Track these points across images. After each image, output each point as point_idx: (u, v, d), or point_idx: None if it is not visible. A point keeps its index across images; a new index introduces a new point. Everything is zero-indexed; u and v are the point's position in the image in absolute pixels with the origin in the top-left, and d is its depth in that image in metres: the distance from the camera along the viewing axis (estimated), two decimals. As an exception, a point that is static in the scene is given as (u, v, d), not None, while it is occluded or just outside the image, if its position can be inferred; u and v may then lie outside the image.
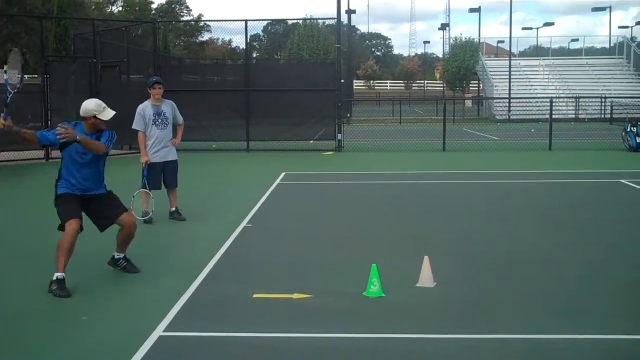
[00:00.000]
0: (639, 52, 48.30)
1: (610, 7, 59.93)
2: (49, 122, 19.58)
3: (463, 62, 53.66)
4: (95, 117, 6.74)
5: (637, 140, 20.83)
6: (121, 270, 7.21)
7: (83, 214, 6.91)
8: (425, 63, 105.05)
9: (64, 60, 22.55)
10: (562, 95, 43.02)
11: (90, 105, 6.78)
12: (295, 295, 6.26)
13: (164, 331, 5.40)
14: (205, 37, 76.68)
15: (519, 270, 7.25)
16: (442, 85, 73.20)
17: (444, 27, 79.51)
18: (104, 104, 6.85)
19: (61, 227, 6.74)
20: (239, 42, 63.56)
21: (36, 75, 43.86)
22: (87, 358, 4.96)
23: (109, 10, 65.12)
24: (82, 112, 6.80)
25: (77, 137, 6.59)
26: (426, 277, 6.59)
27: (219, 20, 27.00)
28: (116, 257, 7.25)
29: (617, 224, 9.79)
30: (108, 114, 6.79)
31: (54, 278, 6.49)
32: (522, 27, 66.37)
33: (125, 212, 7.11)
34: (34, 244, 8.84)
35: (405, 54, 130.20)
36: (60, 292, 6.41)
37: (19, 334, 5.47)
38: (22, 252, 8.38)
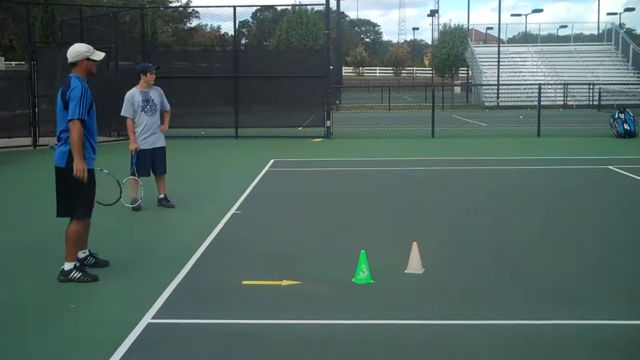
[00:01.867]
0: (628, 38, 48.43)
1: (599, -6, 60.12)
2: (36, 108, 19.47)
3: (452, 49, 53.60)
4: (88, 58, 6.50)
5: (625, 127, 20.94)
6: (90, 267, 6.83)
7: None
8: (414, 50, 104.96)
9: (51, 47, 22.38)
10: (550, 82, 43.16)
11: (82, 49, 6.52)
12: (284, 282, 6.27)
13: (152, 318, 5.40)
14: (194, 23, 76.34)
15: (506, 257, 7.29)
16: (431, 72, 73.11)
17: (433, 13, 79.38)
18: (90, 46, 6.62)
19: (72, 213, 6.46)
20: (228, 28, 63.47)
21: (23, 62, 43.59)
22: (76, 346, 4.95)
23: (97, -4, 64.66)
24: (73, 57, 6.50)
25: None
26: (415, 264, 6.62)
27: (208, 7, 26.93)
28: (81, 256, 6.77)
29: (605, 210, 9.84)
30: (99, 54, 6.59)
31: (72, 267, 6.40)
32: (511, 13, 66.32)
33: None
34: (22, 233, 8.81)
35: (395, 41, 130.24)
36: (87, 276, 6.39)
37: (5, 323, 5.46)
38: (11, 240, 8.34)
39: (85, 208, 6.50)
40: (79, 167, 6.21)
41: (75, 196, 6.38)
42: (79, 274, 6.40)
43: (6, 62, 43.42)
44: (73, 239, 6.44)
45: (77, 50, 6.52)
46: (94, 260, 6.89)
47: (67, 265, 6.43)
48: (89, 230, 6.71)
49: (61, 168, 6.36)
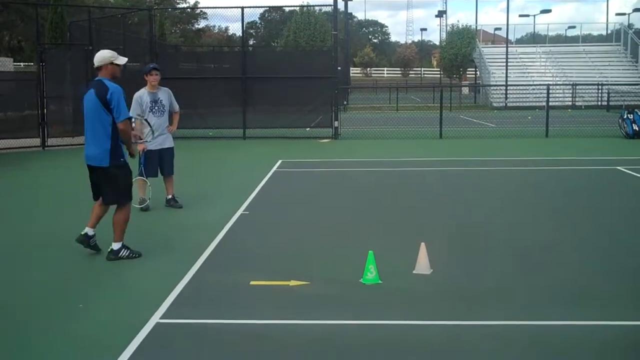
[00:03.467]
0: (636, 39, 48.19)
1: (608, -6, 59.85)
2: (45, 109, 19.53)
3: (460, 50, 53.48)
4: (112, 62, 7.13)
5: (634, 127, 20.84)
6: (90, 249, 7.40)
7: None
8: (422, 50, 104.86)
9: (60, 48, 22.45)
10: (559, 83, 42.99)
11: (106, 54, 7.17)
12: (293, 283, 6.27)
13: (160, 318, 5.41)
14: (202, 24, 76.38)
15: (515, 257, 7.27)
16: (439, 72, 73.00)
17: (441, 14, 79.23)
18: (115, 52, 7.27)
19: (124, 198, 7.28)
20: (236, 29, 63.40)
21: (32, 63, 43.76)
22: (84, 346, 4.96)
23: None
24: (98, 62, 7.12)
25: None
26: (423, 264, 6.61)
27: (216, 7, 26.97)
28: (91, 233, 7.40)
29: (614, 211, 9.81)
30: (122, 59, 7.27)
31: (120, 246, 7.15)
32: (519, 14, 66.19)
33: None
34: (31, 233, 8.84)
35: (403, 42, 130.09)
36: (134, 253, 7.22)
37: (14, 323, 5.48)
38: (20, 241, 8.36)
39: (128, 195, 7.33)
40: (136, 151, 7.62)
41: (119, 188, 7.18)
42: (127, 252, 7.18)
43: (15, 64, 43.60)
44: (123, 222, 7.20)
45: (102, 55, 7.17)
46: (94, 243, 7.43)
47: (116, 245, 7.15)
48: (107, 212, 7.40)
49: (105, 168, 7.09)
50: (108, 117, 6.96)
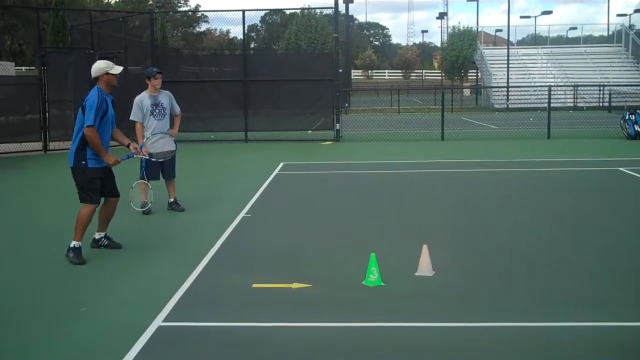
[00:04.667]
0: (638, 40, 48.18)
1: (609, -5, 59.80)
2: (47, 113, 19.55)
3: (461, 51, 53.51)
4: (107, 72, 7.33)
5: (636, 129, 20.82)
6: (104, 248, 7.65)
7: None
8: (423, 52, 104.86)
9: (62, 52, 22.47)
10: (560, 84, 42.98)
11: (101, 65, 7.40)
12: (295, 285, 6.26)
13: (163, 321, 5.41)
14: (203, 27, 76.54)
15: (517, 259, 7.26)
16: (440, 74, 73.02)
17: (442, 16, 79.30)
18: (110, 62, 7.49)
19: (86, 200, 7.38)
20: (237, 32, 63.56)
21: (33, 67, 43.78)
22: (87, 349, 4.96)
23: (106, 1, 64.89)
24: (94, 73, 7.36)
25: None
26: (425, 266, 6.60)
27: (217, 11, 27.00)
28: (97, 237, 7.70)
29: (617, 212, 9.80)
30: (117, 68, 7.46)
31: (72, 246, 7.21)
32: (520, 15, 66.12)
33: (119, 194, 7.79)
34: (34, 235, 8.84)
35: (404, 44, 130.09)
36: (76, 259, 7.14)
37: (17, 325, 5.48)
38: (23, 244, 8.37)
39: (89, 198, 7.35)
40: (109, 162, 7.34)
41: (80, 190, 7.38)
42: (73, 256, 7.18)
43: (16, 68, 43.62)
44: (79, 220, 7.27)
45: (97, 67, 7.41)
46: (107, 242, 7.70)
47: (72, 243, 7.26)
48: (91, 219, 7.40)
49: (70, 167, 7.40)
50: (81, 121, 7.27)
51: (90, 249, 7.60)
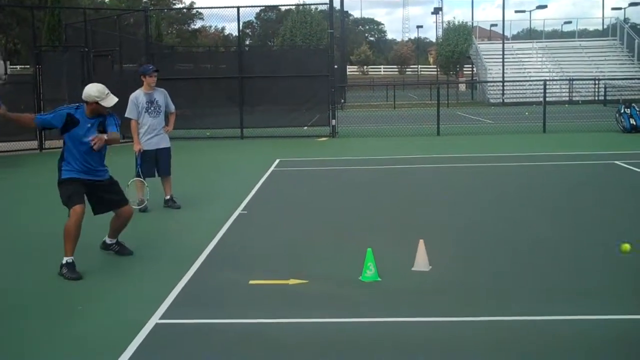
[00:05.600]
0: (632, 33, 48.20)
1: (603, -11, 59.85)
2: (42, 112, 19.50)
3: (456, 46, 53.55)
4: (97, 103, 6.67)
5: (631, 122, 20.84)
6: (115, 254, 7.35)
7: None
8: (418, 48, 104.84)
9: (56, 50, 22.43)
10: (555, 78, 43.00)
11: (92, 92, 6.68)
12: (292, 281, 6.27)
13: (160, 319, 5.41)
14: (198, 25, 76.38)
15: (514, 253, 7.27)
16: (435, 69, 73.04)
17: (437, 11, 79.17)
18: (107, 90, 6.75)
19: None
20: (232, 29, 63.42)
21: (28, 66, 43.64)
22: (83, 347, 4.96)
23: (100, -1, 64.72)
24: (84, 97, 6.72)
25: (105, 137, 6.71)
26: (421, 261, 6.61)
27: (212, 8, 26.99)
28: (108, 242, 7.41)
29: (613, 205, 9.81)
30: (110, 100, 6.72)
31: (64, 262, 6.63)
32: (515, 10, 66.22)
33: (126, 204, 7.28)
34: (31, 234, 8.83)
35: (399, 39, 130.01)
36: (71, 274, 6.57)
37: (13, 324, 5.47)
38: (19, 243, 8.36)
39: (68, 210, 6.75)
40: (102, 140, 6.67)
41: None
42: (66, 271, 6.61)
43: (11, 66, 43.53)
44: (65, 232, 6.66)
45: (88, 93, 6.72)
46: (118, 248, 7.27)
47: (64, 259, 6.69)
48: (79, 229, 6.72)
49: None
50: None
51: (97, 250, 7.55)
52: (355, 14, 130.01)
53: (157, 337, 5.07)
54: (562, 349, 4.72)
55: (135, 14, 32.22)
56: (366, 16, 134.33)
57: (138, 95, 9.95)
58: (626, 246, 6.56)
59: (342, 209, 9.92)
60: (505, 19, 49.49)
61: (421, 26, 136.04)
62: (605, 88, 38.34)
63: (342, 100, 42.01)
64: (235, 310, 5.60)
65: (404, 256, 6.86)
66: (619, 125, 21.32)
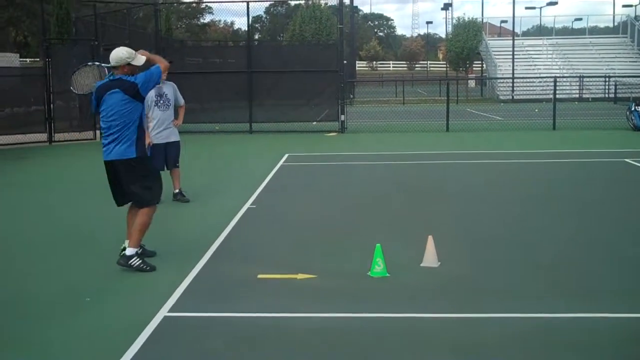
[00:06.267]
0: (643, 31, 47.93)
1: (614, -15, 59.47)
2: (52, 105, 19.57)
3: (466, 43, 53.41)
4: (129, 64, 6.58)
5: (642, 120, 20.75)
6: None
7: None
8: (428, 43, 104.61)
9: (66, 43, 22.46)
10: (565, 75, 42.79)
11: (123, 54, 6.56)
12: (300, 276, 6.26)
13: (169, 312, 5.41)
14: (207, 19, 76.44)
15: (523, 250, 7.24)
16: (445, 65, 72.86)
17: (446, 7, 78.90)
18: (133, 51, 6.67)
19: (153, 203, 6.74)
20: (241, 24, 63.49)
21: (38, 59, 43.76)
22: (92, 339, 4.96)
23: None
24: (114, 61, 6.56)
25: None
26: (430, 257, 6.59)
27: (221, 2, 26.96)
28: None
29: (622, 203, 9.77)
30: (140, 59, 6.66)
31: (134, 253, 6.56)
32: (525, 6, 65.61)
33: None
34: (41, 227, 8.86)
35: (408, 35, 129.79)
36: (147, 265, 6.56)
37: (21, 316, 5.49)
38: (29, 235, 8.38)
39: (158, 195, 6.84)
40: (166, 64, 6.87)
41: (147, 185, 6.64)
42: (139, 262, 6.55)
43: (21, 59, 43.62)
44: (145, 226, 6.64)
45: (118, 55, 6.57)
46: (141, 250, 6.91)
47: (130, 251, 6.57)
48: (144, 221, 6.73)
49: (133, 159, 6.52)
50: (137, 114, 6.59)
51: (105, 244, 7.58)
52: (365, 9, 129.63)
53: (165, 330, 5.07)
54: (570, 346, 4.69)
55: (144, 8, 32.24)
56: (376, 12, 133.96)
57: (148, 89, 9.93)
58: None
59: (350, 204, 9.90)
60: (516, 15, 49.21)
61: (431, 22, 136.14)
62: (615, 85, 38.15)
63: (351, 96, 41.93)
64: (243, 304, 5.60)
65: (412, 252, 6.85)
66: (630, 123, 21.22)
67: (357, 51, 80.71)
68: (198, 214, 9.39)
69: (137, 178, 6.60)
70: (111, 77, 6.62)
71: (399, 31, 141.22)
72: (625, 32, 50.52)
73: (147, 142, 9.80)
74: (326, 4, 53.55)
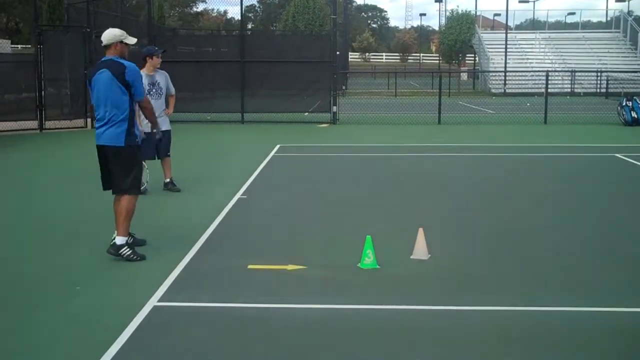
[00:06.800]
0: (636, 26, 48.04)
1: (607, -19, 59.53)
2: (43, 91, 19.46)
3: (459, 35, 53.43)
4: (122, 42, 6.74)
5: (633, 115, 20.83)
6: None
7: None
8: (421, 36, 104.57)
9: (58, 30, 22.34)
10: (558, 69, 42.88)
11: (116, 32, 6.77)
12: (290, 267, 6.27)
13: (158, 301, 5.41)
14: (200, 7, 76.09)
15: (513, 243, 7.27)
16: (437, 58, 72.87)
17: (440, -1, 78.94)
18: (124, 31, 6.87)
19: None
20: (235, 13, 63.23)
21: (29, 45, 43.53)
22: (81, 328, 4.96)
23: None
24: (107, 40, 6.70)
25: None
26: (420, 249, 6.60)
27: (214, -9, 26.83)
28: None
29: (612, 198, 9.82)
30: (132, 39, 6.86)
31: (124, 243, 6.58)
32: (518, 0, 65.63)
33: None
34: (32, 215, 8.83)
35: (402, 27, 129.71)
36: (136, 255, 6.57)
37: (10, 304, 5.47)
38: (19, 223, 8.36)
39: (138, 183, 6.87)
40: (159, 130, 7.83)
41: (129, 174, 6.64)
42: (129, 251, 6.56)
43: (12, 46, 43.38)
44: (130, 214, 6.66)
45: (111, 34, 6.75)
46: (132, 239, 6.90)
47: (120, 240, 6.59)
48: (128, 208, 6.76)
49: (121, 147, 6.56)
50: (125, 97, 6.56)
51: (94, 233, 7.56)
52: (358, 0, 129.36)
53: (154, 319, 5.07)
54: (559, 339, 4.72)
55: (137, -4, 32.07)
56: (369, 3, 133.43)
57: (140, 77, 9.89)
58: None
59: (341, 196, 9.91)
60: (509, 8, 49.28)
61: (424, 14, 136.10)
62: (607, 80, 38.27)
63: (344, 87, 41.91)
64: (233, 294, 5.60)
65: (403, 244, 6.86)
66: (621, 118, 21.31)
67: (350, 42, 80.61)
68: (189, 204, 9.38)
69: (123, 165, 6.63)
70: (103, 59, 6.73)
71: (392, 23, 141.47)
72: (618, 27, 50.68)
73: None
74: (320, -6, 53.46)
